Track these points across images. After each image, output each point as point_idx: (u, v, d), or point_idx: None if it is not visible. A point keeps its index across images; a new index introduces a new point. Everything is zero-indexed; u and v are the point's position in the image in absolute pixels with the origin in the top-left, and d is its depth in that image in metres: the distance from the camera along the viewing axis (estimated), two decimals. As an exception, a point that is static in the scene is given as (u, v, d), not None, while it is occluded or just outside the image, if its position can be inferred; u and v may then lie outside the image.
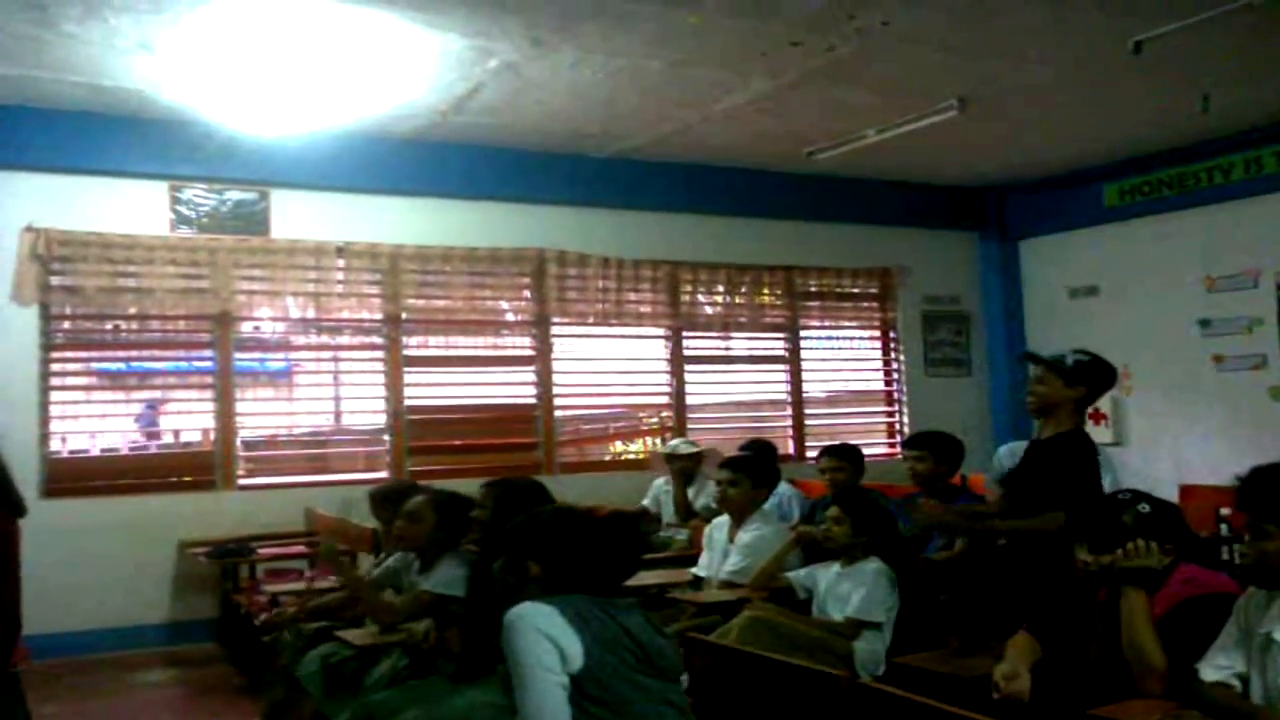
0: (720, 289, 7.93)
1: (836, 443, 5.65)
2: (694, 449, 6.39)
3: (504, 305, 7.30)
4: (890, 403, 8.71)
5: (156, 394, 6.93)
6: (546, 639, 2.14)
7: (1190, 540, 2.83)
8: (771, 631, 3.54)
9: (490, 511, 3.31)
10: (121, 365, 6.79)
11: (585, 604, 2.24)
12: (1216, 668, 2.42)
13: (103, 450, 6.62)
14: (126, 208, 6.26)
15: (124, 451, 6.64)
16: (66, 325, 6.29)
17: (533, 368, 7.38)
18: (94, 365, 6.64)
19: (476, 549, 3.54)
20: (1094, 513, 2.86)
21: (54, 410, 6.15)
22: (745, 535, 4.37)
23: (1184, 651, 2.52)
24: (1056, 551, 3.11)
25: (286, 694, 3.78)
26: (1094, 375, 3.69)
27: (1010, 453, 4.31)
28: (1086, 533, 2.80)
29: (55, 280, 6.08)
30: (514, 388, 7.41)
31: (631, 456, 8.00)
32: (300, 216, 6.67)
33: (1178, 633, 2.56)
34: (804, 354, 8.33)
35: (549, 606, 2.20)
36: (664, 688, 2.28)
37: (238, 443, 6.56)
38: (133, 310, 6.38)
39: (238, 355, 6.62)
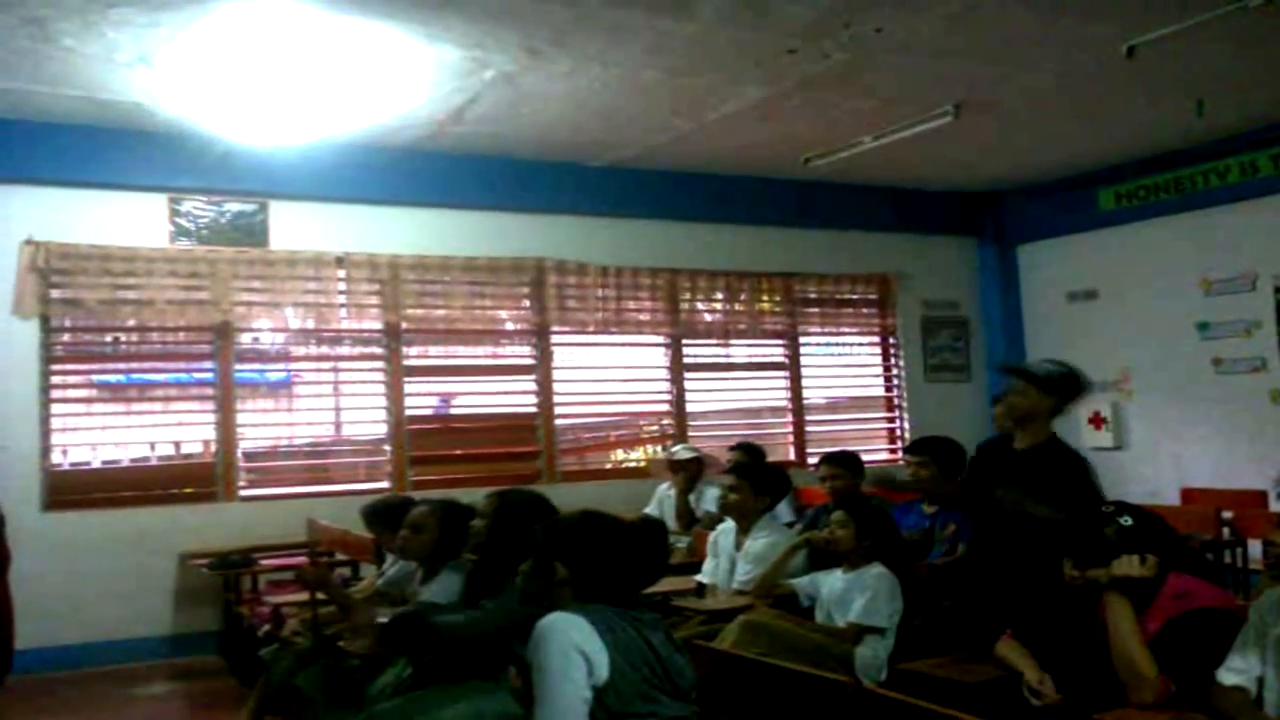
0: (719, 296, 7.94)
1: (836, 450, 5.66)
2: (693, 454, 6.41)
3: (503, 314, 7.31)
4: (890, 408, 8.71)
5: (177, 404, 6.92)
6: (576, 650, 2.11)
7: (1177, 550, 2.82)
8: (768, 636, 3.53)
9: (489, 522, 3.28)
10: (122, 377, 6.80)
11: (613, 615, 2.21)
12: (1234, 671, 2.41)
13: (104, 462, 6.62)
14: (126, 220, 6.27)
15: (125, 464, 6.64)
16: (67, 338, 6.30)
17: (533, 377, 7.38)
18: (94, 378, 6.65)
19: (473, 558, 3.52)
20: (1077, 527, 2.86)
21: (55, 423, 6.16)
22: (756, 544, 4.37)
23: (1182, 668, 2.51)
24: (1048, 561, 3.10)
25: (282, 703, 3.77)
26: (1068, 386, 3.80)
27: None
28: (1070, 547, 2.80)
29: (55, 293, 6.09)
30: (514, 397, 7.42)
31: (632, 464, 8.00)
32: (299, 227, 6.68)
33: (1174, 650, 2.55)
34: (804, 360, 8.34)
35: (580, 617, 2.17)
36: (677, 706, 2.26)
37: (238, 454, 6.57)
38: (132, 322, 6.40)
39: (238, 366, 6.63)
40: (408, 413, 6.96)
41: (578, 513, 2.51)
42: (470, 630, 3.07)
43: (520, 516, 3.25)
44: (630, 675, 2.15)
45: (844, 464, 5.18)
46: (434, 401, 7.22)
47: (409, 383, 7.00)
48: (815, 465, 5.42)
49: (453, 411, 7.34)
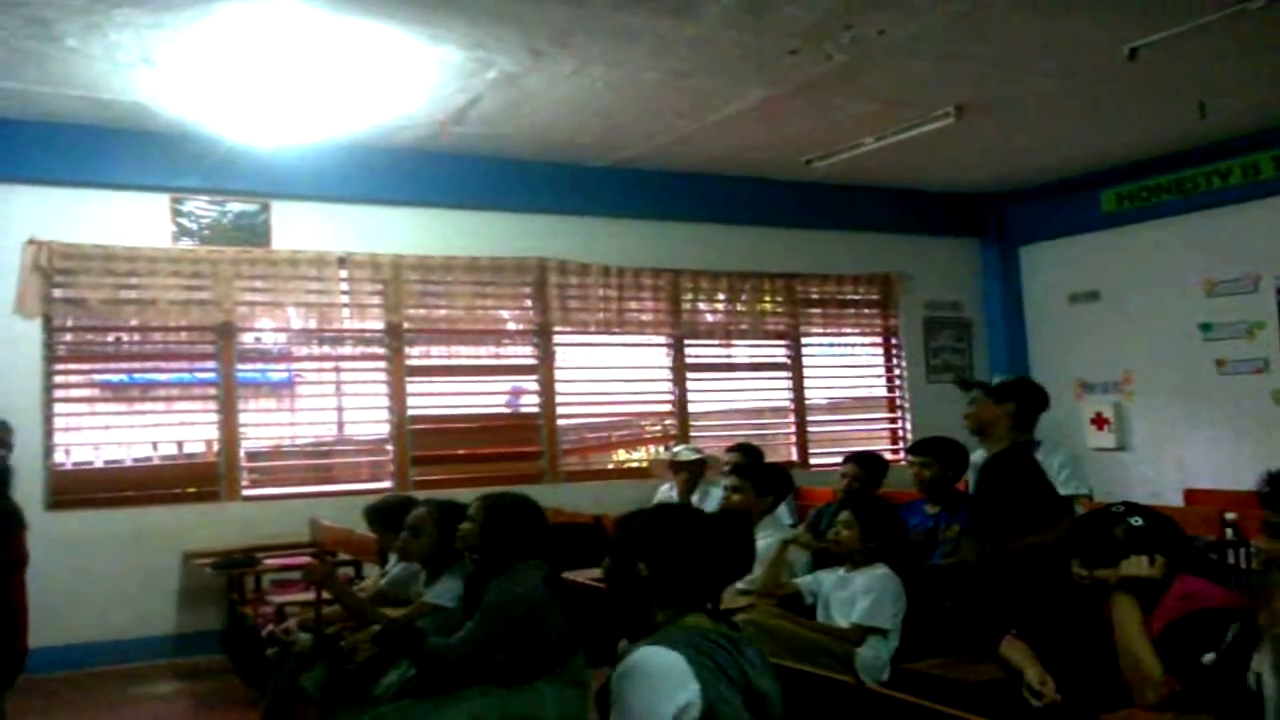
0: (721, 297, 7.95)
1: (863, 450, 5.71)
2: (696, 455, 6.41)
3: (506, 315, 7.32)
4: (892, 409, 8.72)
5: (175, 404, 6.92)
6: (666, 698, 1.88)
7: (1186, 551, 2.82)
8: (769, 636, 3.53)
9: (478, 525, 3.29)
10: (124, 377, 6.81)
11: (709, 642, 1.98)
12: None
13: (106, 462, 6.63)
14: (128, 220, 6.28)
15: (128, 463, 6.65)
16: (69, 337, 6.31)
17: (535, 377, 7.39)
18: (97, 377, 6.66)
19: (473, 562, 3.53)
20: (1086, 527, 2.86)
21: (57, 422, 6.17)
22: (759, 544, 4.36)
23: (1185, 668, 2.52)
24: (1057, 562, 3.11)
25: (289, 705, 3.78)
26: (1019, 391, 4.06)
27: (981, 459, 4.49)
28: (1079, 547, 2.80)
29: (58, 292, 6.11)
30: (516, 396, 7.43)
31: (635, 464, 8.00)
32: (301, 227, 6.69)
33: (1177, 649, 2.55)
34: (806, 361, 8.35)
35: (675, 654, 1.92)
36: None
37: (241, 453, 6.58)
38: (135, 322, 6.41)
39: (240, 366, 6.64)
40: (410, 412, 6.97)
41: (653, 507, 2.32)
42: (452, 654, 3.12)
43: (508, 518, 3.28)
44: (723, 711, 1.92)
45: (866, 466, 5.23)
46: (436, 401, 7.21)
47: (411, 383, 7.01)
48: (839, 464, 5.44)
49: (453, 412, 7.33)
